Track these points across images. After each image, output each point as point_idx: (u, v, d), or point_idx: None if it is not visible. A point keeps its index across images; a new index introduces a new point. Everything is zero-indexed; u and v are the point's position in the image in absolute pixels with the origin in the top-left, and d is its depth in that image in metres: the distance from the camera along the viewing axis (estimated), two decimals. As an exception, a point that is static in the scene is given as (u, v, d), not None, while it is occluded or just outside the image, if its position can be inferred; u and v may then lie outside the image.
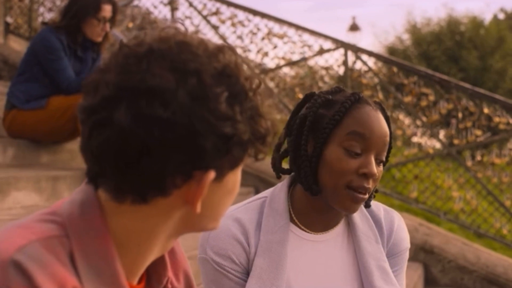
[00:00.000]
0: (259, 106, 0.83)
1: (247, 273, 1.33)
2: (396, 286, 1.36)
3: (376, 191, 1.38)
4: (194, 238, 2.91)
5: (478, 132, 5.31)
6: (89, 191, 0.85)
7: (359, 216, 1.40)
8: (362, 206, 1.40)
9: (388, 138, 1.31)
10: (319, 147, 1.29)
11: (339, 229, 1.39)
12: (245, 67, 0.86)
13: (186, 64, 0.79)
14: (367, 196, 1.29)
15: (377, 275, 1.35)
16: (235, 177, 0.87)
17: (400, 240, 1.42)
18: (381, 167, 1.32)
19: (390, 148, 1.34)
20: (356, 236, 1.38)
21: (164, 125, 0.76)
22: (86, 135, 0.79)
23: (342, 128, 1.28)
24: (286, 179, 1.40)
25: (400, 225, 1.43)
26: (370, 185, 1.28)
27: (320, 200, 1.33)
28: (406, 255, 1.44)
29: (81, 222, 0.83)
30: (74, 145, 3.97)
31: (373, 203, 1.43)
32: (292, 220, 1.37)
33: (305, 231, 1.37)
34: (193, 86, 0.78)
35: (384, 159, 1.31)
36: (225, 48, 0.83)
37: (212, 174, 0.80)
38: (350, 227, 1.40)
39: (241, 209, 1.36)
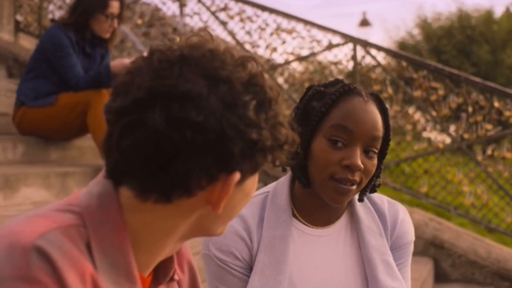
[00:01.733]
0: (279, 115, 0.86)
1: (250, 268, 1.33)
2: (400, 280, 1.35)
3: (379, 185, 1.37)
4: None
5: (489, 126, 5.28)
6: (107, 185, 0.87)
7: (363, 210, 1.39)
8: (366, 200, 1.40)
9: (378, 131, 1.29)
10: (307, 139, 1.29)
11: (342, 223, 1.39)
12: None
13: (217, 71, 0.82)
14: (354, 187, 1.28)
15: (381, 269, 1.35)
16: (253, 181, 0.91)
17: (404, 233, 1.41)
18: (374, 160, 1.30)
19: (387, 140, 1.32)
20: (360, 229, 1.37)
21: (196, 128, 0.79)
22: (116, 135, 0.81)
23: (328, 120, 1.28)
24: (288, 174, 1.40)
25: (405, 218, 1.42)
26: (356, 177, 1.27)
27: (316, 194, 1.33)
28: (411, 248, 1.43)
29: (99, 214, 0.85)
30: (83, 142, 4.00)
31: (377, 196, 1.43)
32: (294, 215, 1.37)
33: (308, 225, 1.37)
34: (224, 93, 0.81)
35: (376, 151, 1.30)
36: (249, 58, 0.87)
37: (237, 176, 0.83)
38: (354, 221, 1.39)
39: None
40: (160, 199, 0.83)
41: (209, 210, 0.86)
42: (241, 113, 0.81)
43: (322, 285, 1.35)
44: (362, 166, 1.26)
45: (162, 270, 0.97)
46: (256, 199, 1.38)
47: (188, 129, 0.79)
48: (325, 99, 1.30)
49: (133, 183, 0.84)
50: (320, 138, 1.29)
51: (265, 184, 1.44)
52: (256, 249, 1.32)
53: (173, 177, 0.81)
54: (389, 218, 1.40)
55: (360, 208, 1.39)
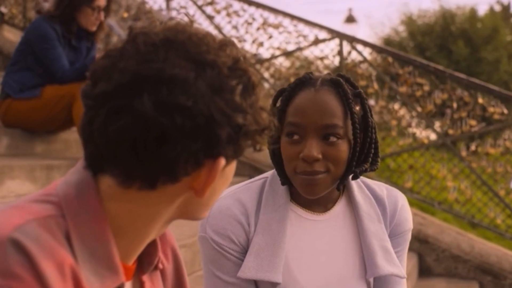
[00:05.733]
0: (260, 99, 0.86)
1: (245, 253, 1.33)
2: (398, 266, 1.36)
3: (365, 170, 1.35)
4: (190, 226, 2.92)
5: (473, 122, 5.32)
6: (86, 173, 0.85)
7: (361, 196, 1.40)
8: (363, 186, 1.41)
9: (329, 118, 1.28)
10: (276, 138, 1.31)
11: (339, 208, 1.39)
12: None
13: (203, 55, 0.81)
14: (320, 177, 1.28)
15: (380, 255, 1.35)
16: (233, 166, 0.90)
17: (403, 220, 1.42)
18: (340, 146, 1.28)
19: (355, 123, 1.29)
20: (358, 215, 1.38)
21: (185, 113, 0.78)
22: (101, 120, 0.79)
23: (286, 119, 1.31)
24: None
25: (404, 205, 1.43)
26: (319, 167, 1.28)
27: None
28: (409, 235, 1.44)
29: (77, 203, 0.83)
30: (68, 135, 3.97)
31: (375, 183, 1.44)
32: (292, 201, 1.38)
33: (305, 210, 1.37)
34: (211, 78, 0.80)
35: (337, 136, 1.28)
36: (229, 42, 0.86)
37: (223, 162, 0.83)
38: (353, 207, 1.39)
39: (242, 189, 1.37)
40: (144, 186, 0.82)
41: (192, 195, 0.85)
42: (228, 97, 0.81)
43: (319, 269, 1.36)
44: (317, 156, 1.27)
45: (147, 258, 0.96)
46: (255, 184, 1.39)
47: (177, 114, 0.77)
48: (283, 97, 1.33)
49: (116, 170, 0.82)
50: (283, 137, 1.31)
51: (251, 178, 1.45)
52: (253, 233, 1.32)
53: (160, 163, 0.79)
54: (389, 205, 1.41)
55: (358, 194, 1.40)
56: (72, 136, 3.97)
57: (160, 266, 0.99)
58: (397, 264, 1.36)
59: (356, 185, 1.41)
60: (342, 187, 1.39)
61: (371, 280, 1.38)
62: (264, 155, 4.75)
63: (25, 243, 0.75)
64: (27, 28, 3.95)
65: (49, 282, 0.75)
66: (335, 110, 1.29)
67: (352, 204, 1.40)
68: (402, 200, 1.43)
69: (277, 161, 1.34)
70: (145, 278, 0.96)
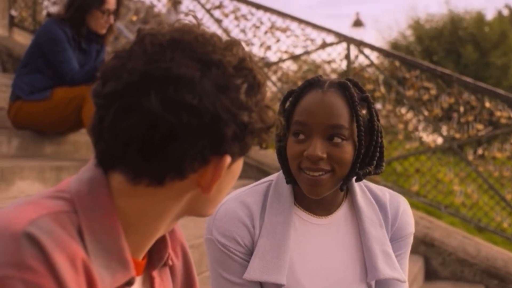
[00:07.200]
0: (266, 98, 0.88)
1: (251, 254, 1.36)
2: (399, 271, 1.39)
3: (368, 173, 1.37)
4: (197, 227, 2.95)
5: (480, 126, 5.32)
6: (97, 170, 0.88)
7: (364, 201, 1.42)
8: (366, 191, 1.43)
9: (335, 119, 1.31)
10: (282, 138, 1.35)
11: (341, 212, 1.42)
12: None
13: (209, 55, 0.84)
14: (324, 177, 1.31)
15: (381, 259, 1.38)
16: (240, 164, 0.93)
17: (405, 224, 1.44)
18: (344, 147, 1.31)
19: (360, 126, 1.32)
20: (360, 219, 1.40)
21: (192, 111, 0.80)
22: (110, 119, 0.82)
23: (293, 119, 1.34)
24: None
25: (406, 210, 1.45)
26: (323, 165, 1.31)
27: None
28: (410, 239, 1.46)
29: (89, 200, 0.86)
30: (78, 137, 4.01)
31: (378, 187, 1.46)
32: (296, 204, 1.40)
33: (309, 214, 1.40)
34: (217, 76, 0.83)
35: (342, 137, 1.31)
36: (236, 42, 0.89)
37: (228, 159, 0.85)
38: (355, 211, 1.42)
39: (247, 192, 1.40)
40: (152, 183, 0.84)
41: (199, 192, 0.88)
42: (233, 96, 0.83)
43: (321, 272, 1.38)
44: (321, 155, 1.30)
45: (157, 254, 0.98)
46: (260, 187, 1.42)
47: (184, 112, 0.80)
48: (292, 98, 1.36)
49: (126, 167, 0.84)
50: (290, 136, 1.35)
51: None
52: (258, 235, 1.35)
53: (167, 160, 0.82)
54: (390, 209, 1.43)
55: (361, 198, 1.42)
56: (81, 138, 4.01)
57: (170, 262, 1.01)
58: (397, 268, 1.39)
59: (359, 190, 1.44)
60: (346, 192, 1.42)
61: (373, 283, 1.40)
62: (270, 158, 4.77)
63: (39, 237, 0.78)
64: (37, 30, 3.99)
65: (61, 274, 0.77)
66: (341, 111, 1.32)
67: (354, 208, 1.42)
68: (404, 204, 1.46)
69: (283, 160, 1.37)
70: (155, 273, 0.99)
